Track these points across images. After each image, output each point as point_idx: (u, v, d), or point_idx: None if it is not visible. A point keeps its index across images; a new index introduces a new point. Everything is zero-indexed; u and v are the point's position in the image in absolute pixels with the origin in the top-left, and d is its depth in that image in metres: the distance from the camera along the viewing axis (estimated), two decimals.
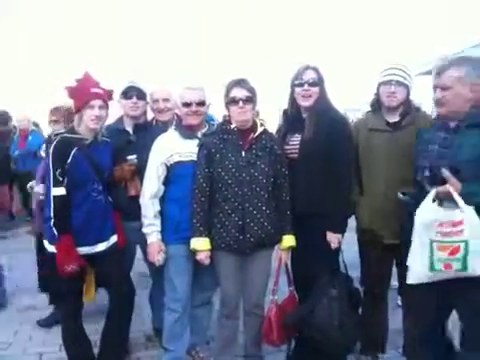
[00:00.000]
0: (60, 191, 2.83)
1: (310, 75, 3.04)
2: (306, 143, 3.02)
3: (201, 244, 2.91)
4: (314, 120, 3.02)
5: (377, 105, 3.13)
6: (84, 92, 2.92)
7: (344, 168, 2.99)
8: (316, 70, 3.07)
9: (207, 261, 2.94)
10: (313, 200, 3.00)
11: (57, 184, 2.82)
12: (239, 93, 2.91)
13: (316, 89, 3.04)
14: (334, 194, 2.94)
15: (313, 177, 2.99)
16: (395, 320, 3.37)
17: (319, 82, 3.05)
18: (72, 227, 2.87)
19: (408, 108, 3.05)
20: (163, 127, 3.39)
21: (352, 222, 3.17)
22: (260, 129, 3.01)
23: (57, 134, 3.03)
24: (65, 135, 2.96)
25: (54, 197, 2.83)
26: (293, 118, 3.18)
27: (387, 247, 3.07)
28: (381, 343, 3.33)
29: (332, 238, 2.99)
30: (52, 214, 2.82)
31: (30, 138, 7.93)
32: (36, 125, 8.95)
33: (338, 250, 3.05)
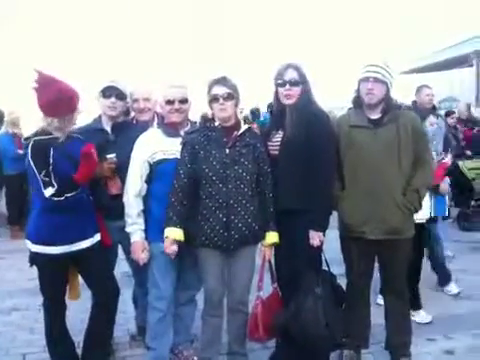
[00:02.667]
0: (51, 191, 2.78)
1: (291, 75, 3.06)
2: (287, 140, 3.04)
3: (173, 233, 2.89)
4: (294, 117, 3.04)
5: (358, 102, 3.15)
6: (66, 103, 2.86)
7: (325, 164, 3.01)
8: (297, 69, 3.08)
9: (172, 248, 2.89)
10: (295, 197, 3.02)
11: (47, 185, 2.78)
12: (219, 90, 2.93)
13: (297, 88, 3.06)
14: (315, 191, 2.97)
15: (294, 174, 3.01)
16: (378, 315, 3.39)
17: (301, 80, 3.07)
18: (52, 225, 2.85)
19: (389, 105, 3.08)
20: (143, 126, 3.38)
21: (333, 219, 3.19)
22: (244, 127, 3.02)
23: (26, 138, 2.96)
24: (37, 137, 2.88)
25: (50, 200, 2.78)
26: (277, 115, 3.20)
27: (369, 242, 3.09)
28: (364, 338, 3.36)
29: (314, 236, 3.01)
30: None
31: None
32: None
33: (321, 247, 3.07)
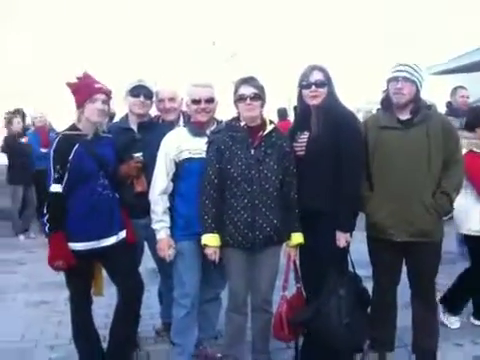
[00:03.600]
0: (57, 188, 2.85)
1: (317, 76, 3.03)
2: (314, 141, 3.02)
3: (212, 240, 2.93)
4: (321, 117, 3.01)
5: (387, 103, 3.10)
6: (88, 86, 2.94)
7: (352, 165, 2.97)
8: (323, 70, 3.05)
9: (215, 256, 2.95)
10: (320, 198, 2.99)
11: (55, 181, 2.85)
12: (246, 90, 2.92)
13: (323, 90, 3.03)
14: (342, 192, 2.94)
15: (320, 175, 2.99)
16: (404, 317, 3.35)
17: (326, 82, 3.04)
18: (78, 221, 2.90)
19: (419, 105, 3.02)
20: (169, 125, 3.41)
21: (359, 220, 3.15)
22: (269, 127, 3.01)
23: (58, 133, 3.06)
24: (66, 132, 2.97)
25: (50, 194, 2.85)
26: (302, 116, 3.18)
27: (397, 245, 3.05)
28: (390, 341, 3.31)
29: (340, 237, 2.98)
30: (45, 210, 2.86)
31: (52, 135, 7.97)
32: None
33: (346, 249, 3.04)
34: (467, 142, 3.73)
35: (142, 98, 3.30)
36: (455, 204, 3.12)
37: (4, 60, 15.93)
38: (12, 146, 7.51)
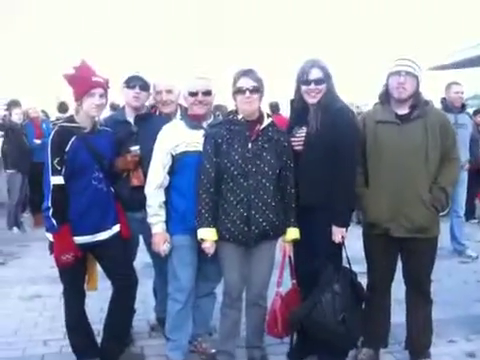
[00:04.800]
0: (58, 180, 2.82)
1: (316, 74, 2.99)
2: (311, 136, 3.00)
3: (209, 234, 2.91)
4: (319, 114, 2.99)
5: (385, 97, 3.08)
6: (85, 80, 2.91)
7: (349, 160, 2.96)
8: (322, 67, 3.02)
9: (212, 250, 2.94)
10: (317, 193, 2.98)
11: (55, 173, 2.82)
12: (246, 83, 2.89)
13: (322, 87, 3.00)
14: (338, 187, 2.93)
15: (318, 170, 2.97)
16: (397, 313, 3.35)
17: (325, 79, 3.01)
18: (73, 215, 2.87)
19: (418, 100, 3.01)
20: (166, 118, 3.38)
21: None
22: (267, 120, 2.99)
23: (55, 124, 3.03)
24: (63, 124, 2.96)
25: (53, 186, 2.82)
26: (299, 110, 3.15)
27: (393, 240, 3.04)
28: (383, 337, 3.31)
29: (336, 232, 2.98)
30: (50, 203, 2.82)
31: (44, 127, 7.89)
32: (46, 114, 8.95)
33: (342, 244, 3.03)
34: None
35: (137, 89, 3.27)
36: None
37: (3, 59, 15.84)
38: (10, 129, 7.41)
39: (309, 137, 3.02)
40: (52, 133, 2.91)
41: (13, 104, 7.65)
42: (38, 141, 7.47)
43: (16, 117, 7.47)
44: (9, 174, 7.39)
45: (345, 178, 2.95)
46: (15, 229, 7.38)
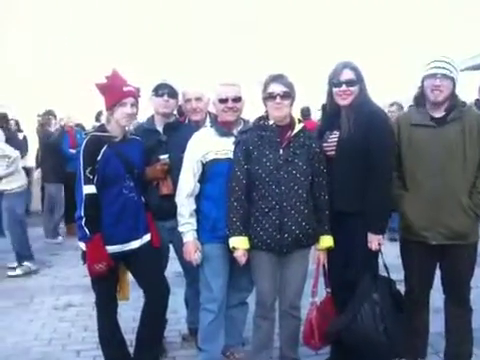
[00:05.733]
0: (91, 189, 2.83)
1: (347, 75, 2.94)
2: (344, 141, 2.94)
3: (240, 243, 2.87)
4: (352, 117, 2.93)
5: (421, 99, 3.00)
6: (116, 90, 2.92)
7: (384, 165, 2.88)
8: (354, 69, 2.96)
9: (244, 259, 2.89)
10: (351, 199, 2.92)
11: (87, 182, 2.83)
12: (276, 88, 2.85)
13: (354, 88, 2.94)
14: (373, 193, 2.85)
15: (351, 175, 2.91)
16: (436, 323, 3.24)
17: (357, 81, 2.95)
18: (104, 225, 2.88)
19: (454, 103, 2.92)
20: (195, 126, 3.38)
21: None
22: (298, 126, 2.94)
23: (87, 133, 3.05)
24: (95, 133, 2.98)
25: (85, 195, 2.83)
26: (331, 115, 3.10)
27: (431, 247, 2.95)
28: (422, 347, 3.21)
29: (372, 239, 2.90)
30: (83, 213, 2.83)
31: (79, 137, 8.02)
32: (80, 125, 9.07)
33: (378, 251, 2.95)
34: None
35: (166, 97, 3.28)
36: None
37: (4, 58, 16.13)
38: (46, 142, 7.54)
39: (341, 141, 2.96)
40: (84, 142, 2.92)
41: (49, 114, 7.81)
42: (73, 151, 7.58)
43: (55, 127, 7.61)
44: (53, 186, 7.49)
45: (380, 184, 2.86)
46: (60, 238, 7.46)
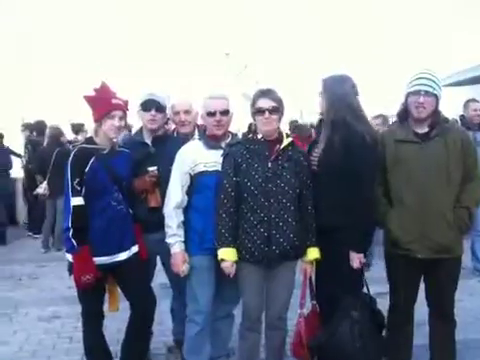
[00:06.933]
0: (78, 201, 2.85)
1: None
2: (323, 154, 2.98)
3: (229, 254, 2.87)
4: (327, 131, 2.97)
5: (404, 115, 3.05)
6: (105, 102, 2.94)
7: (365, 180, 2.89)
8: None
9: (232, 270, 2.90)
10: (334, 213, 2.93)
11: (75, 194, 2.84)
12: (265, 104, 2.89)
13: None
14: (356, 212, 2.86)
15: (332, 191, 2.93)
16: (420, 336, 3.26)
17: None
18: (91, 236, 2.88)
19: (437, 119, 2.97)
20: (183, 139, 3.40)
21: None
22: (286, 140, 2.97)
23: (75, 145, 3.07)
24: (83, 145, 3.00)
25: (73, 207, 2.84)
26: (320, 128, 3.14)
27: (416, 261, 2.98)
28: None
29: (354, 258, 2.92)
30: (70, 224, 2.83)
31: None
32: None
33: (361, 269, 2.98)
34: None
35: (153, 112, 3.29)
36: None
37: None
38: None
39: (321, 157, 2.99)
40: (72, 154, 2.93)
41: (78, 128, 7.82)
42: None
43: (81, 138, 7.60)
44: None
45: (363, 203, 2.88)
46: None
